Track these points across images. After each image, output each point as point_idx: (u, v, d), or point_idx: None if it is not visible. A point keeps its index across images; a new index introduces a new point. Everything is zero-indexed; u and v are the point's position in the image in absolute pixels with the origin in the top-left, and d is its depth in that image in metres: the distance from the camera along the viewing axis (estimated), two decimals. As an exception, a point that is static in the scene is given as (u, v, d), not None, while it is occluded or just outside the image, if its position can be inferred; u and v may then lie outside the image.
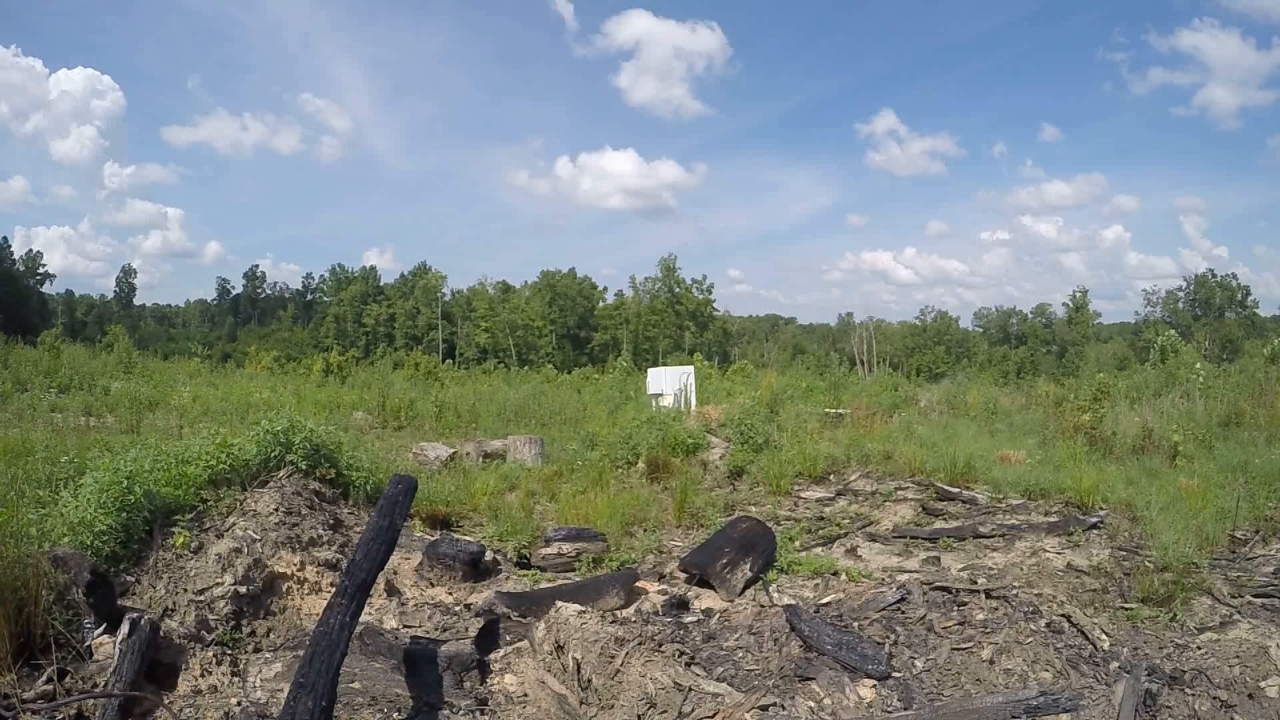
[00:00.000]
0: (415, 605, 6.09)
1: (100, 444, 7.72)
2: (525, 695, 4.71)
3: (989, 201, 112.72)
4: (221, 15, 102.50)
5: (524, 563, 7.13)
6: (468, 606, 6.03)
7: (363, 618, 4.89)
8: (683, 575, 6.32)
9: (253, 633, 5.43)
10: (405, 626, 5.71)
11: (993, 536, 6.98)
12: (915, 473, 9.20)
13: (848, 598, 5.69)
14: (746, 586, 6.06)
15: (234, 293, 75.37)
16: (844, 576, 6.16)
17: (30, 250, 64.65)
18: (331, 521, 6.74)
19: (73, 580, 4.63)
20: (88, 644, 4.47)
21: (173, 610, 5.21)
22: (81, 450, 7.06)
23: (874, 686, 4.43)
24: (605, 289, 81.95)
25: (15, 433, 9.18)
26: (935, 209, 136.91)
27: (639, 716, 4.11)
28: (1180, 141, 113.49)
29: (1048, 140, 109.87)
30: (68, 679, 4.23)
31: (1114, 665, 4.57)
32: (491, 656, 5.14)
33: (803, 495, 8.93)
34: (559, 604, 5.01)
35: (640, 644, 4.51)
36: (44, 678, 4.16)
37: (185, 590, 5.41)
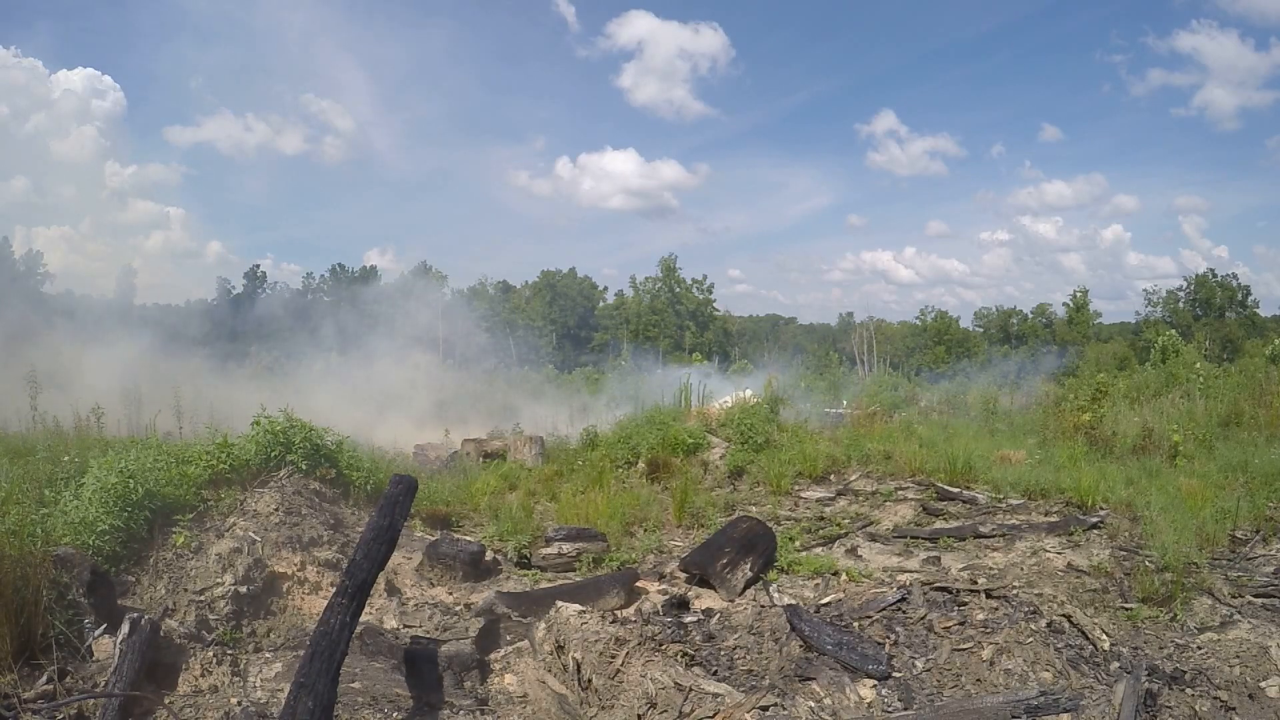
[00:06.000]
0: (415, 605, 6.10)
1: (101, 444, 7.72)
2: (525, 695, 4.71)
3: (989, 201, 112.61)
4: (222, 15, 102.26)
5: (524, 563, 7.13)
6: (468, 606, 6.03)
7: (363, 618, 4.89)
8: (683, 575, 6.32)
9: (253, 633, 5.44)
10: (405, 626, 5.71)
11: (993, 536, 6.97)
12: (915, 473, 9.19)
13: (848, 598, 5.69)
14: (747, 586, 6.06)
15: (235, 293, 75.39)
16: (844, 576, 6.16)
17: (30, 250, 64.56)
18: (332, 521, 6.75)
19: (74, 580, 4.63)
20: (88, 644, 4.47)
21: (173, 610, 5.21)
22: (82, 450, 7.06)
23: (874, 686, 4.44)
24: (605, 289, 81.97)
25: (16, 432, 9.18)
26: (935, 209, 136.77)
27: (639, 716, 4.11)
28: (1180, 141, 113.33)
29: (1048, 140, 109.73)
30: (68, 679, 4.23)
31: (1114, 665, 4.57)
32: (492, 656, 5.14)
33: (803, 495, 8.92)
34: (559, 604, 5.01)
35: (640, 644, 4.51)
36: (44, 677, 4.16)
37: (185, 590, 5.41)
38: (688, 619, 5.54)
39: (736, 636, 5.13)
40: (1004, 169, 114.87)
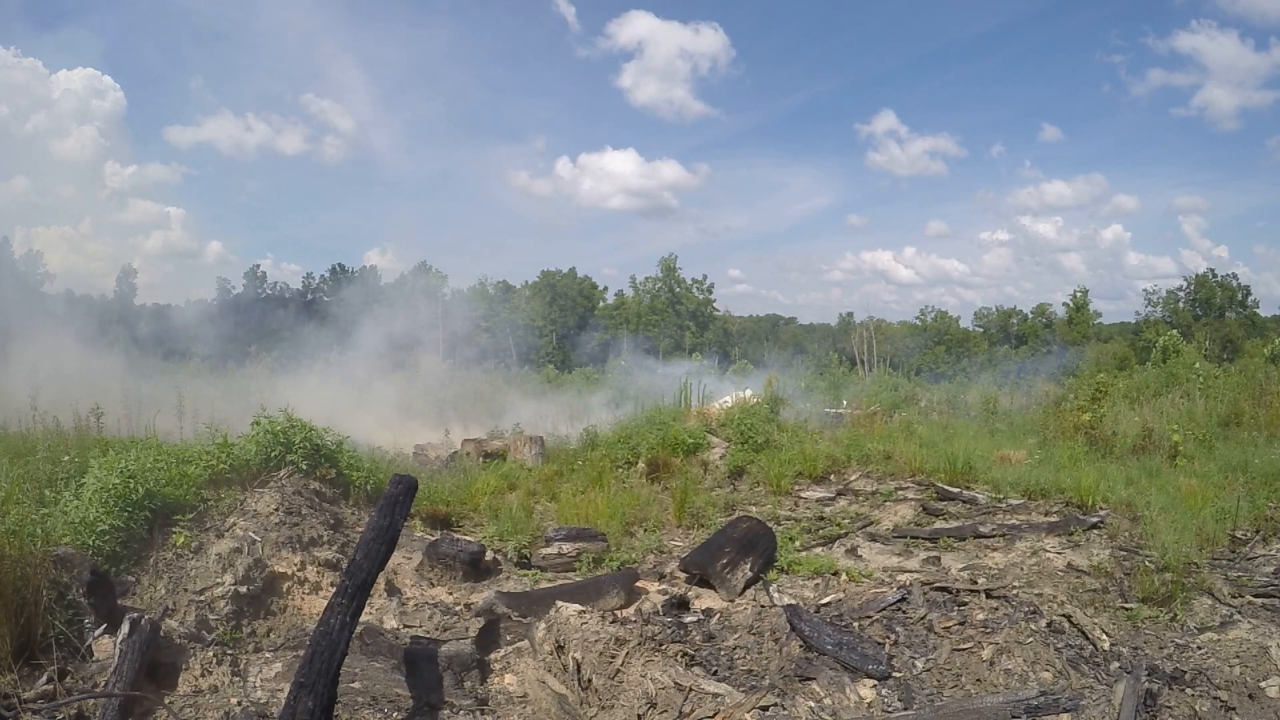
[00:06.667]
0: (415, 605, 6.10)
1: (101, 444, 7.72)
2: (525, 695, 4.72)
3: (989, 201, 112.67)
4: (222, 15, 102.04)
5: (524, 563, 7.13)
6: (468, 606, 6.03)
7: (363, 618, 4.89)
8: (683, 575, 6.32)
9: (253, 633, 5.44)
10: (405, 626, 5.71)
11: (993, 536, 6.97)
12: (915, 473, 9.19)
13: (848, 598, 5.69)
14: (747, 586, 6.06)
15: (235, 293, 75.54)
16: (844, 576, 6.16)
17: (30, 250, 64.57)
18: (332, 521, 6.75)
19: (74, 580, 4.63)
20: (88, 644, 4.47)
21: (173, 610, 5.21)
22: (82, 450, 7.06)
23: (874, 686, 4.43)
24: (605, 289, 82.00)
25: (16, 432, 9.18)
26: (935, 209, 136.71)
27: (639, 716, 4.11)
28: (1180, 141, 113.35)
29: (1048, 140, 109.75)
30: (68, 679, 4.23)
31: (1114, 665, 4.57)
32: (491, 656, 5.14)
33: (803, 495, 8.93)
34: (559, 604, 5.01)
35: (640, 644, 4.51)
36: (44, 677, 4.16)
37: (185, 590, 5.42)
38: (688, 619, 5.54)
39: (736, 636, 5.13)
40: (1004, 169, 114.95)
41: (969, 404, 17.02)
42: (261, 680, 4.49)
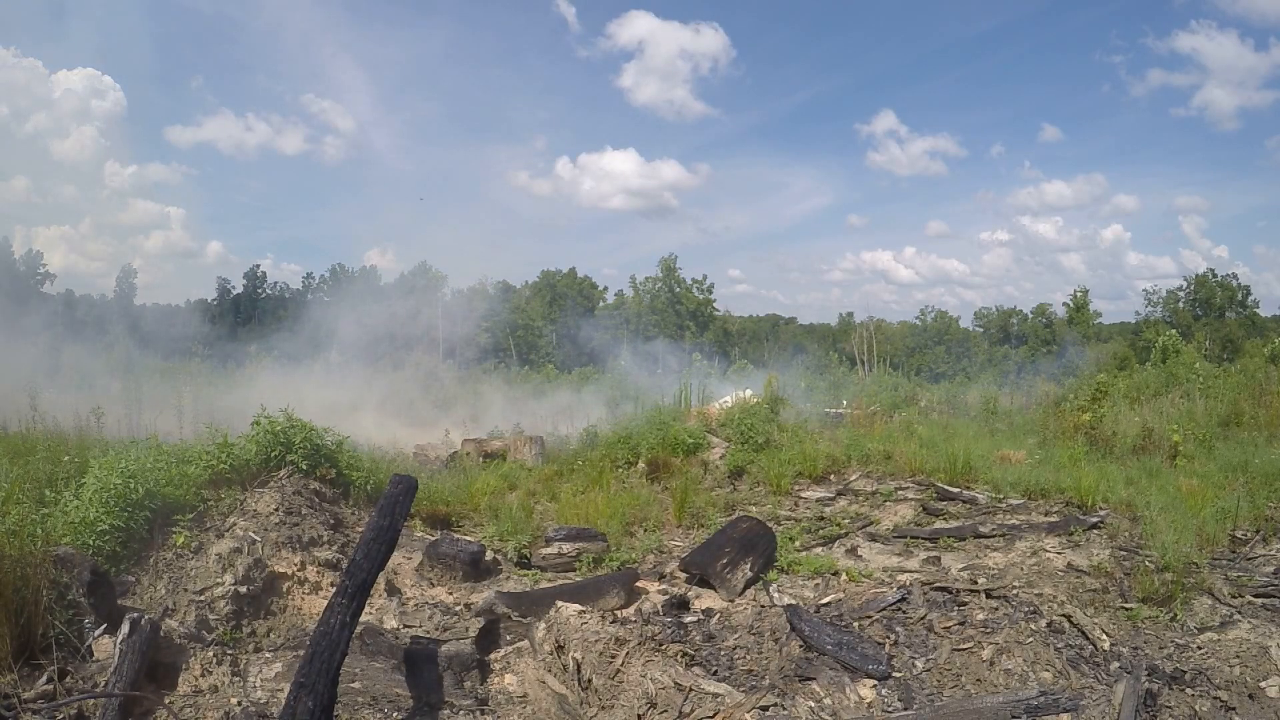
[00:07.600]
0: (415, 605, 6.10)
1: (101, 444, 7.72)
2: (525, 695, 4.72)
3: (989, 201, 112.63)
4: (222, 15, 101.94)
5: (524, 563, 7.14)
6: (468, 606, 6.03)
7: (363, 618, 4.89)
8: (683, 575, 6.32)
9: (253, 633, 5.44)
10: (405, 626, 5.71)
11: (993, 536, 6.97)
12: (915, 473, 9.19)
13: (848, 598, 5.69)
14: (747, 586, 6.06)
15: (234, 293, 75.56)
16: (844, 576, 6.16)
17: (30, 250, 64.52)
18: (332, 521, 6.75)
19: (74, 580, 4.63)
20: (88, 644, 4.47)
21: (173, 610, 5.22)
22: (82, 450, 7.06)
23: (874, 686, 4.43)
24: (605, 289, 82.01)
25: (16, 432, 9.18)
26: (935, 209, 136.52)
27: (639, 716, 4.11)
28: (1180, 141, 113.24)
29: (1048, 140, 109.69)
30: (68, 679, 4.23)
31: (1114, 665, 4.57)
32: (492, 656, 5.14)
33: (803, 495, 8.93)
34: (559, 604, 5.01)
35: (640, 644, 4.51)
36: (44, 677, 4.16)
37: (186, 590, 5.42)
38: (688, 619, 5.54)
39: (736, 636, 5.13)
40: (1004, 169, 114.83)
41: (969, 404, 17.03)
42: (261, 680, 4.50)
